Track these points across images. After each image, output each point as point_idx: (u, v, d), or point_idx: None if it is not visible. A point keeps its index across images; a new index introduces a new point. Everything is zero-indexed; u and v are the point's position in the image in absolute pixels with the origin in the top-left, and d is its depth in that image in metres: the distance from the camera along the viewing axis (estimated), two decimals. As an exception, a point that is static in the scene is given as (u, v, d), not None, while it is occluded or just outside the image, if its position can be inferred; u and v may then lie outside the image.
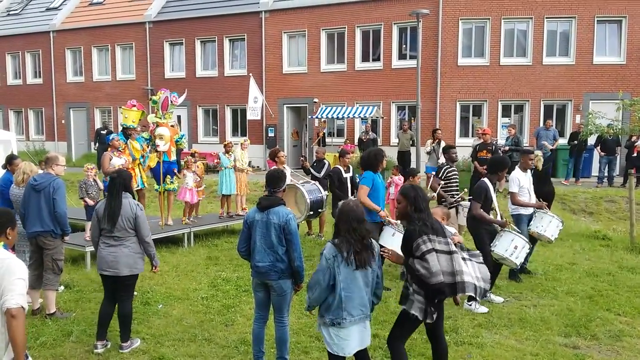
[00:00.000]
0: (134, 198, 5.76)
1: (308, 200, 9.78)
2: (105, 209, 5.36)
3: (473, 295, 4.27)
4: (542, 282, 7.94)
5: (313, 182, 10.27)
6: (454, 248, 4.29)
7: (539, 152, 9.66)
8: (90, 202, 8.63)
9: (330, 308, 4.06)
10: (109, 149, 9.24)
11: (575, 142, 15.73)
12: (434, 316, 4.24)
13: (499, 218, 7.19)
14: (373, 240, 4.17)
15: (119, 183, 5.44)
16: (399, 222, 7.43)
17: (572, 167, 16.11)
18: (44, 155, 6.75)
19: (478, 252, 4.66)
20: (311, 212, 9.96)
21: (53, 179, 6.25)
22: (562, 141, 16.82)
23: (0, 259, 3.15)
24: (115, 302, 5.56)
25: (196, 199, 10.67)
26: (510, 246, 6.80)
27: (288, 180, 9.82)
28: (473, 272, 4.35)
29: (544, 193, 8.63)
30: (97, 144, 20.96)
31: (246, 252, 4.98)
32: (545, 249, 9.50)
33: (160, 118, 9.49)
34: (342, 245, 4.03)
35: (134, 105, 9.62)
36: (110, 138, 9.24)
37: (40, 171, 6.72)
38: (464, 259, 4.40)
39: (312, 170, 10.68)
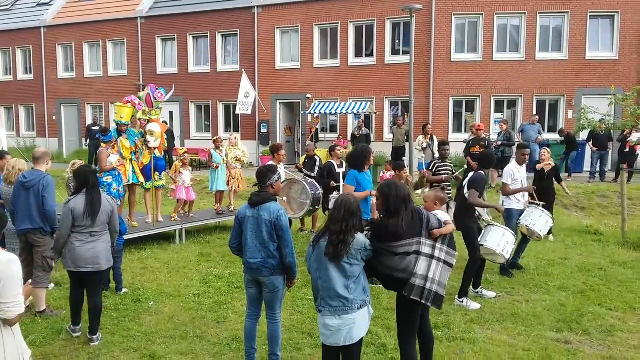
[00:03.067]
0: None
1: (310, 196, 9.68)
2: (86, 205, 5.37)
3: (417, 299, 4.16)
4: (534, 277, 7.95)
5: (311, 180, 10.19)
6: (415, 249, 4.15)
7: (549, 150, 9.78)
8: None
9: (316, 295, 4.13)
10: (105, 145, 9.13)
11: (562, 138, 15.87)
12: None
13: (485, 214, 7.22)
14: (360, 237, 4.04)
15: (94, 179, 5.53)
16: None
17: (564, 163, 16.18)
18: (32, 151, 6.69)
19: (454, 252, 4.40)
20: (310, 209, 9.90)
21: (43, 176, 6.17)
22: (553, 137, 16.90)
23: (2, 260, 3.16)
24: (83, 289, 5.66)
25: (193, 196, 10.63)
26: (502, 241, 6.81)
27: (283, 178, 9.77)
28: (432, 274, 4.19)
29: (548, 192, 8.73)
30: (88, 140, 20.87)
31: (238, 248, 4.95)
32: (538, 244, 9.51)
33: (147, 115, 9.40)
34: (323, 232, 4.08)
35: (129, 102, 9.49)
36: (111, 136, 9.15)
37: (22, 167, 6.64)
38: (432, 256, 4.22)
39: (304, 171, 10.60)
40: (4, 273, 3.12)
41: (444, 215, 4.75)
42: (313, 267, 4.12)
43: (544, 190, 8.91)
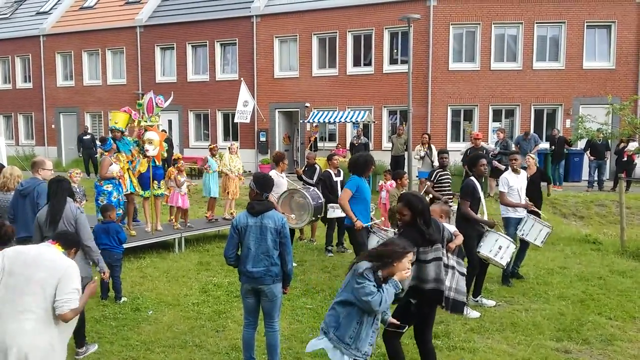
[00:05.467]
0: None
1: (312, 206, 9.66)
2: (47, 213, 5.14)
3: (443, 306, 4.45)
4: (533, 286, 7.95)
5: (313, 188, 10.17)
6: (440, 255, 4.39)
7: (533, 156, 9.66)
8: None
9: None
10: (107, 154, 9.18)
11: (553, 147, 15.88)
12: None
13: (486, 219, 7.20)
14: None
15: (64, 187, 5.28)
16: (389, 229, 7.44)
17: (553, 172, 16.16)
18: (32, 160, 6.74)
19: (462, 261, 4.70)
20: (313, 218, 9.88)
21: (38, 183, 6.18)
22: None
23: (64, 264, 3.70)
24: None
25: (187, 204, 10.60)
26: (494, 246, 6.76)
27: (285, 187, 9.76)
28: (449, 282, 4.46)
29: (534, 196, 8.63)
30: (80, 149, 20.91)
31: (235, 259, 4.90)
32: (537, 253, 9.52)
33: (146, 121, 9.41)
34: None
35: (125, 111, 9.55)
36: (110, 144, 9.19)
37: (20, 173, 6.66)
38: (446, 266, 4.47)
39: (304, 178, 10.61)
40: (63, 274, 3.63)
41: (451, 227, 4.96)
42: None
43: (531, 195, 8.83)
